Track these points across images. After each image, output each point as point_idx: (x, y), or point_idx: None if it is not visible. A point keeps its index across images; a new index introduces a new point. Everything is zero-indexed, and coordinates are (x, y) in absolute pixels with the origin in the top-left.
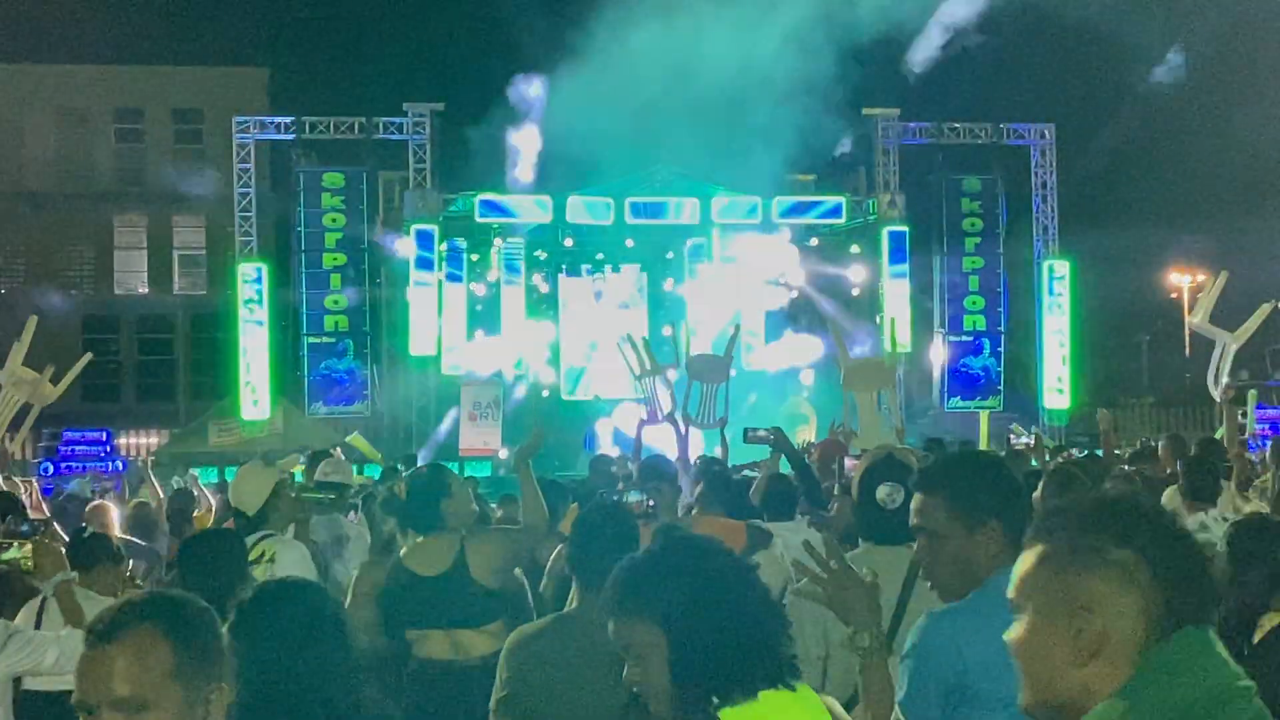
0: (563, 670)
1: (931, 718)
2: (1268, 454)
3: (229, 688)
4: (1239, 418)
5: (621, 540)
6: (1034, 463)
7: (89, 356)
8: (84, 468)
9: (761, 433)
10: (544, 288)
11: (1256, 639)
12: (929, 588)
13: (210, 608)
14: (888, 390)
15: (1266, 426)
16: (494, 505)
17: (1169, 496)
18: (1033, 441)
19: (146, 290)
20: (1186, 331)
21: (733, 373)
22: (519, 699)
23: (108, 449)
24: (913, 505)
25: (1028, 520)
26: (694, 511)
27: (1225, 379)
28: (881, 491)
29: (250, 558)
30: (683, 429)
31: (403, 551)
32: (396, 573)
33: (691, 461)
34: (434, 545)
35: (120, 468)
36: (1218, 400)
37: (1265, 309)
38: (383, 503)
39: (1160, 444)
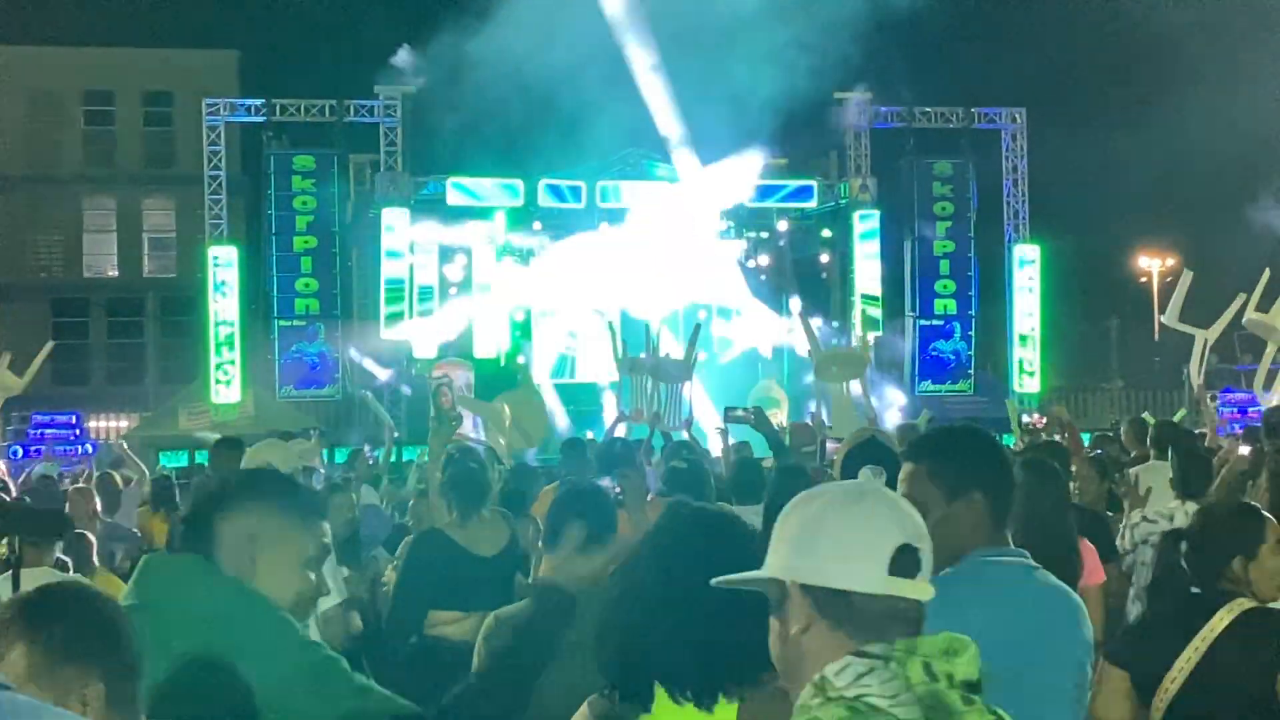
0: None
1: None
2: (1240, 436)
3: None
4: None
5: (599, 523)
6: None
7: (50, 346)
8: (54, 451)
9: (740, 412)
10: (516, 271)
11: (1217, 632)
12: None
13: (101, 600)
14: (859, 379)
15: (1235, 410)
16: None
17: (1147, 476)
18: (1044, 421)
19: (116, 273)
20: (1156, 316)
21: (694, 379)
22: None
23: (77, 432)
24: (900, 475)
25: (1012, 496)
26: (650, 497)
27: (1200, 375)
28: (863, 474)
29: None
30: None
31: (444, 526)
32: (445, 548)
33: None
34: (485, 523)
35: (90, 450)
36: (1197, 396)
37: (1237, 302)
38: (444, 483)
39: (1122, 427)
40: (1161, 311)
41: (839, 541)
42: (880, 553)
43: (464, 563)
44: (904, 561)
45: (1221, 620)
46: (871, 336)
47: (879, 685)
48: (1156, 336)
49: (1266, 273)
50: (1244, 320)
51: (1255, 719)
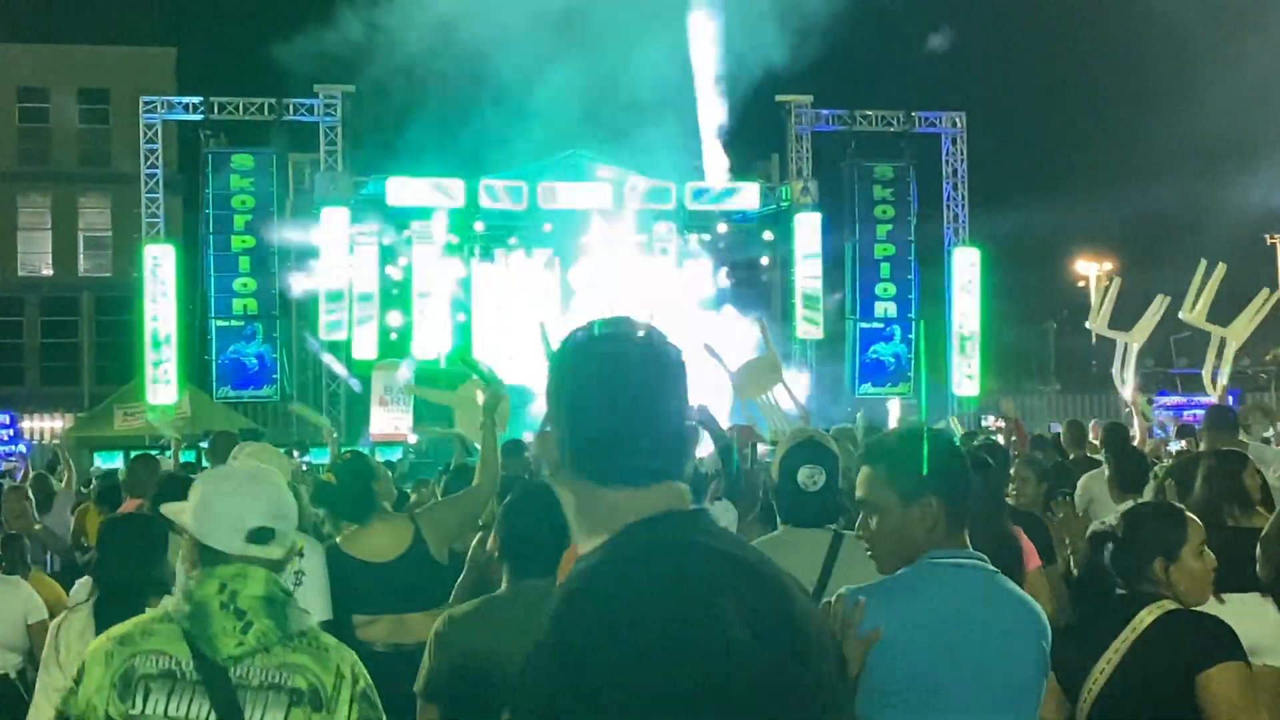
0: (493, 654)
1: None
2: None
3: None
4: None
5: (553, 523)
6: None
7: None
8: None
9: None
10: (457, 272)
11: (1137, 632)
12: (870, 564)
13: None
14: (779, 385)
15: (1171, 413)
16: (409, 488)
17: (1089, 482)
18: (1008, 423)
19: (51, 272)
20: (1096, 317)
21: None
22: (447, 682)
23: (11, 432)
24: (857, 478)
25: (969, 499)
26: None
27: (1132, 379)
28: (802, 474)
29: None
30: None
31: (339, 540)
32: (340, 562)
33: None
34: (380, 530)
35: (25, 451)
36: (1128, 400)
37: (1158, 304)
38: (314, 495)
39: (1061, 430)
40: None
41: (213, 512)
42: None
43: (357, 574)
44: (259, 534)
45: (1142, 621)
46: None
47: (180, 595)
48: (1094, 340)
49: (1202, 264)
50: (1182, 315)
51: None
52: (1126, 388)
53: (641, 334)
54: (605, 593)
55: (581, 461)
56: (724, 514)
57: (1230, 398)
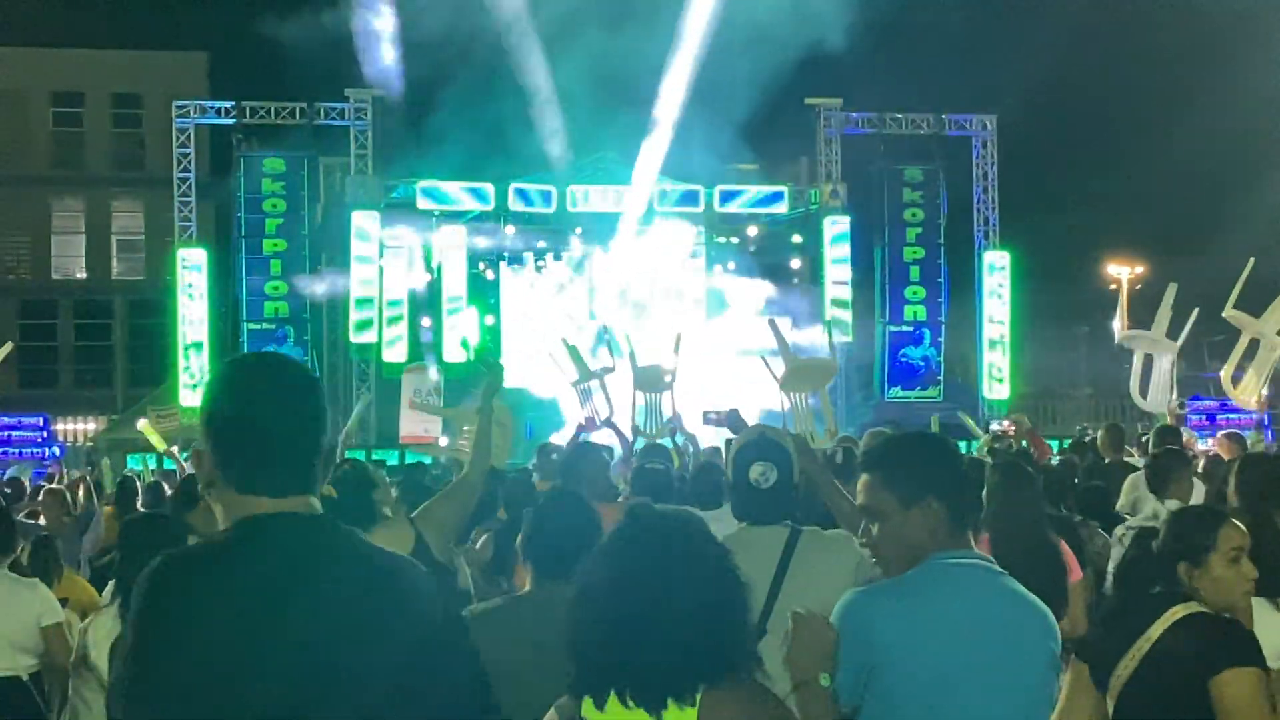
0: (514, 653)
1: (848, 696)
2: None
3: None
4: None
5: (578, 528)
6: (973, 449)
7: (10, 346)
8: (21, 454)
9: (715, 415)
10: (487, 275)
11: (1160, 630)
12: (828, 559)
13: None
14: (820, 391)
15: (1203, 418)
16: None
17: (1131, 484)
18: (1012, 428)
19: (84, 275)
20: (1124, 323)
21: (668, 378)
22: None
23: (45, 435)
24: (858, 485)
25: (971, 501)
26: (621, 499)
27: (1173, 395)
28: (754, 471)
29: None
30: (625, 432)
31: None
32: None
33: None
34: (381, 539)
35: (58, 454)
36: (1168, 416)
37: (1170, 291)
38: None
39: (1100, 434)
40: (1130, 318)
41: None
42: None
43: None
44: None
45: (1165, 620)
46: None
47: None
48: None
49: (1251, 263)
50: (1225, 314)
51: (1190, 713)
52: (1167, 404)
53: (274, 365)
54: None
55: (228, 475)
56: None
57: (1266, 418)
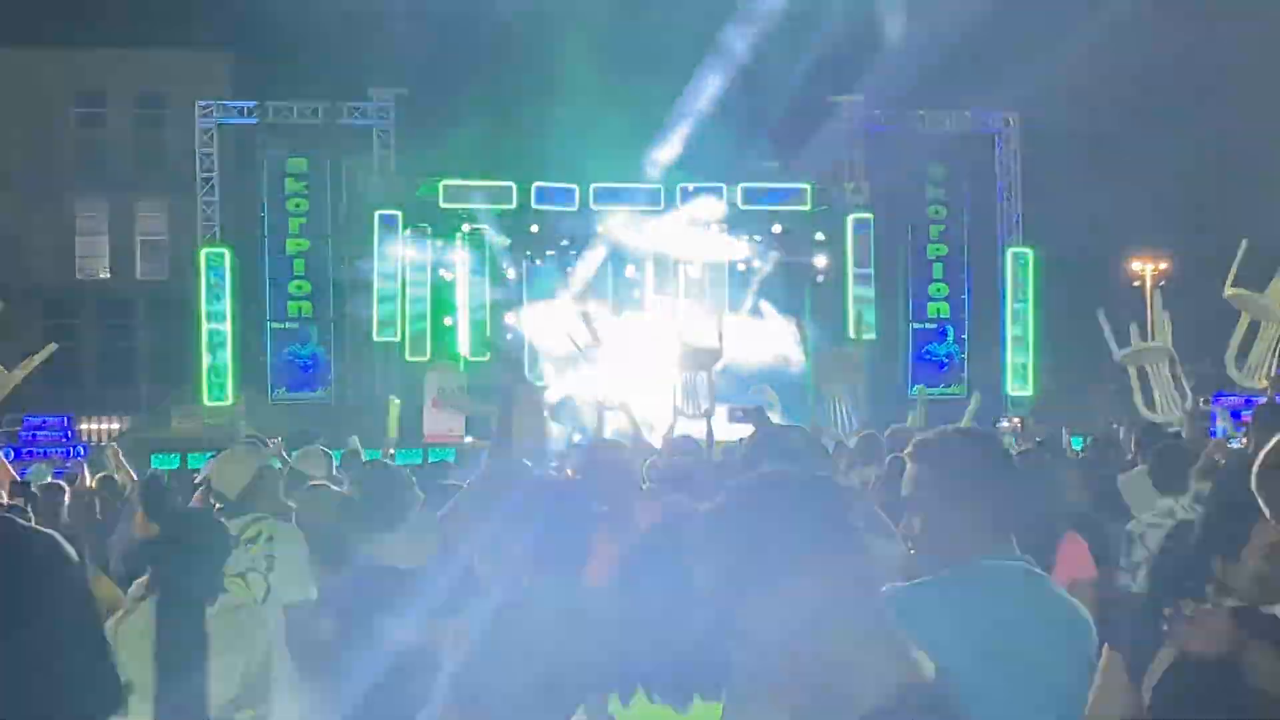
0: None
1: None
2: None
3: None
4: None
5: (579, 522)
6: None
7: (53, 347)
8: (45, 453)
9: (741, 411)
10: (510, 273)
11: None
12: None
13: None
14: (853, 386)
15: (1226, 413)
16: None
17: (1135, 480)
18: (1019, 425)
19: (108, 275)
20: (1149, 320)
21: (715, 361)
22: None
23: (69, 434)
24: (904, 476)
25: (1014, 501)
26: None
27: (1186, 399)
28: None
29: (246, 536)
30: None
31: (371, 550)
32: (374, 574)
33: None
34: (405, 541)
35: (81, 453)
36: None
37: (1157, 297)
38: (339, 511)
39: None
40: (1151, 313)
41: None
42: None
43: (386, 579)
44: None
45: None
46: (865, 337)
47: None
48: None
49: (1244, 244)
50: (1225, 294)
51: (1224, 712)
52: (1167, 404)
53: None
54: None
55: None
56: None
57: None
